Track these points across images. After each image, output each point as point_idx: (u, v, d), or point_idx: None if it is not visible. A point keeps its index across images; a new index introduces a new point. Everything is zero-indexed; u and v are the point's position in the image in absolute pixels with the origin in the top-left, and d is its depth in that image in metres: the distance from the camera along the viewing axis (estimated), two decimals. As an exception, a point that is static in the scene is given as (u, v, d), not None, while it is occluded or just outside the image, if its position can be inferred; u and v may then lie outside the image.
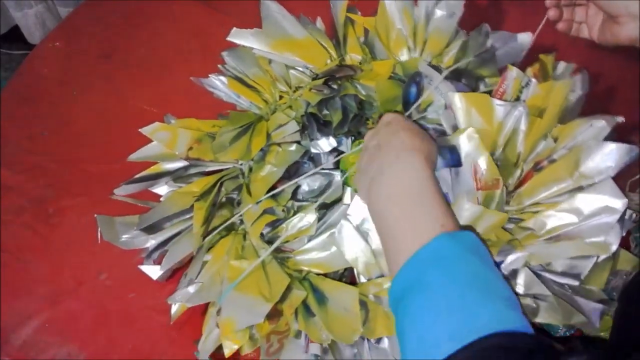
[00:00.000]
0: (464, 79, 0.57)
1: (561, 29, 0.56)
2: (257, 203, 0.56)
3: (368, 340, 0.50)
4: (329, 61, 0.62)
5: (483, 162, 0.49)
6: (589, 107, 0.56)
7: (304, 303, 0.50)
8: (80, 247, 0.62)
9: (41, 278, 0.60)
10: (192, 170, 0.60)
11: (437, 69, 0.58)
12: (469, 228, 0.46)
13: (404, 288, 0.39)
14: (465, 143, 0.50)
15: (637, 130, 0.64)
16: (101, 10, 0.84)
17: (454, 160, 0.50)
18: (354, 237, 0.50)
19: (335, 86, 0.61)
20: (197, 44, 0.77)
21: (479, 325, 0.35)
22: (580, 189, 0.47)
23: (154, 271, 0.56)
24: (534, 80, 0.52)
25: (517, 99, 0.52)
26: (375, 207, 0.45)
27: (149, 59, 0.78)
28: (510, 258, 0.47)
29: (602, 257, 0.48)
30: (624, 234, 0.49)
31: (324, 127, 0.62)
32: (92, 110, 0.73)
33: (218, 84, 0.64)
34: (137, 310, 0.58)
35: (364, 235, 0.50)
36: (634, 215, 0.50)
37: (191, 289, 0.53)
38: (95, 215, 0.57)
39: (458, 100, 0.50)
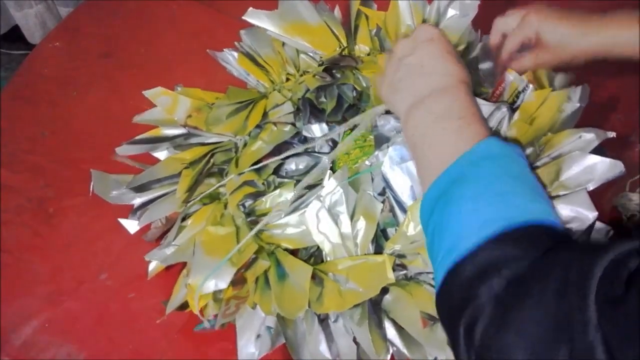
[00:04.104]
0: None
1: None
2: (240, 174, 0.58)
3: (322, 320, 0.51)
4: (338, 49, 0.63)
5: None
6: (587, 111, 0.55)
7: (265, 275, 0.52)
8: (80, 247, 0.62)
9: (41, 278, 0.60)
10: (193, 140, 0.62)
11: None
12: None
13: (446, 184, 0.39)
14: None
15: (637, 131, 0.65)
16: (101, 10, 0.84)
17: None
18: (323, 217, 0.51)
19: (338, 75, 0.62)
20: (197, 44, 0.77)
21: (524, 215, 0.35)
22: (556, 197, 0.47)
23: (132, 225, 0.59)
24: (531, 85, 0.51)
25: (513, 103, 0.52)
26: (417, 129, 0.44)
27: (149, 59, 0.78)
28: None
29: None
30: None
31: (319, 113, 0.63)
32: (92, 110, 0.73)
33: (231, 59, 0.66)
34: (137, 310, 0.58)
35: (335, 218, 0.51)
36: (611, 231, 0.49)
37: (167, 250, 0.55)
38: (91, 170, 0.59)
39: None
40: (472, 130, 0.41)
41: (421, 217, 0.42)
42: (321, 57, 0.63)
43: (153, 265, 0.57)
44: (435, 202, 0.40)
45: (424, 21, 0.60)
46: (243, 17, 0.61)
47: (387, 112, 0.56)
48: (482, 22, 0.59)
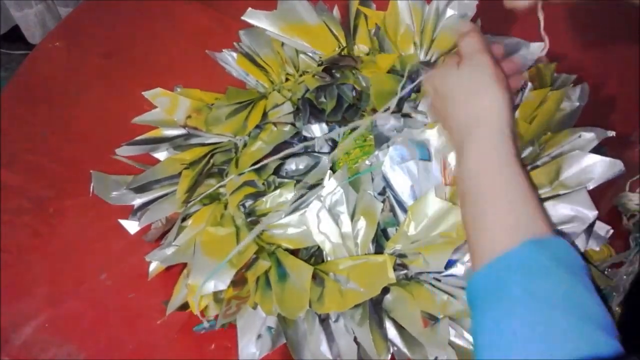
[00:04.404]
0: None
1: None
2: (240, 175, 0.58)
3: (323, 320, 0.51)
4: (337, 49, 0.63)
5: (453, 158, 0.50)
6: (587, 110, 0.55)
7: (266, 275, 0.52)
8: (80, 247, 0.62)
9: (41, 278, 0.60)
10: (193, 141, 0.62)
11: (431, 65, 0.59)
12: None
13: (482, 291, 0.38)
14: (435, 138, 0.50)
15: (637, 131, 0.65)
16: (101, 10, 0.84)
17: (423, 154, 0.50)
18: (324, 217, 0.51)
19: (338, 74, 0.62)
20: (197, 44, 0.77)
21: (564, 354, 0.33)
22: (556, 197, 0.47)
23: (132, 226, 0.59)
24: (530, 83, 0.52)
25: None
26: (470, 185, 0.43)
27: (149, 59, 0.78)
28: (469, 256, 0.48)
29: None
30: (596, 248, 0.48)
31: (318, 113, 0.63)
32: (93, 110, 0.73)
33: (230, 60, 0.66)
34: (137, 310, 0.58)
35: (335, 218, 0.51)
36: (611, 231, 0.49)
37: (168, 250, 0.55)
38: (91, 171, 0.59)
39: None
40: (517, 216, 0.39)
41: (468, 297, 0.41)
42: (320, 57, 0.63)
43: (153, 266, 0.57)
44: (473, 303, 0.39)
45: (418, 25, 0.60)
46: (242, 18, 0.61)
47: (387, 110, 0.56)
48: (481, 22, 0.59)
